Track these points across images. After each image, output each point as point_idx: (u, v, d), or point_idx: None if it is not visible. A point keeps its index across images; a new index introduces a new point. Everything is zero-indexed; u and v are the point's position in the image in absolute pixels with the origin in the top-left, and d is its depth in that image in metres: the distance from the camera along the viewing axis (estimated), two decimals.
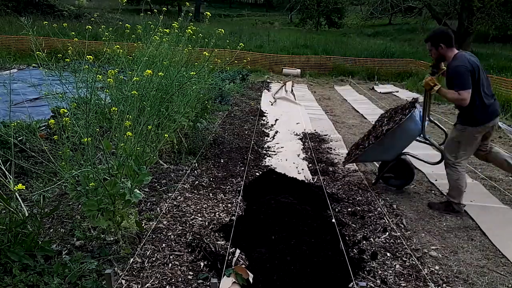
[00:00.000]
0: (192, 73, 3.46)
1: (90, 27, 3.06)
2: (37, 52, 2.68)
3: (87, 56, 2.59)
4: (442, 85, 3.63)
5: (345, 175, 4.66)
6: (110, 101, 3.49)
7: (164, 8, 4.36)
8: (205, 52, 3.75)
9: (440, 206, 3.79)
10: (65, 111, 2.53)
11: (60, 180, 2.56)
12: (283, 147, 5.69)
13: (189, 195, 3.86)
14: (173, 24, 4.11)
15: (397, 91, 11.50)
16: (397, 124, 3.87)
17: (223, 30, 3.91)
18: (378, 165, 4.49)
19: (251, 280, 2.48)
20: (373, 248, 3.06)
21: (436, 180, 4.45)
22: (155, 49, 3.83)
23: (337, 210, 3.71)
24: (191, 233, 3.13)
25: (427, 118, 3.93)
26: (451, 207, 3.70)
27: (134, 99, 2.87)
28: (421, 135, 3.93)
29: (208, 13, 3.88)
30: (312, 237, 2.82)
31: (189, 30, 3.81)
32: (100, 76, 2.69)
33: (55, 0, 25.24)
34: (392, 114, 4.30)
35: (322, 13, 31.07)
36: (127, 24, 3.85)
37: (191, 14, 4.09)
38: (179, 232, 3.15)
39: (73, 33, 3.46)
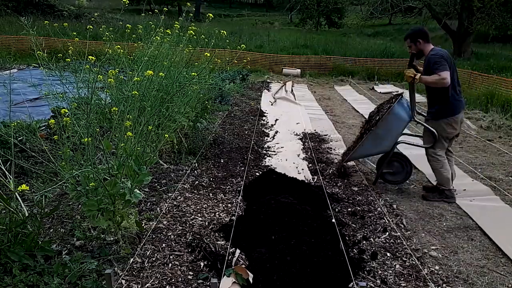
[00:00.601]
0: (193, 73, 3.45)
1: (91, 27, 3.06)
2: (38, 52, 2.68)
3: (89, 57, 2.59)
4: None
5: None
6: (110, 101, 3.49)
7: (165, 9, 4.36)
8: (206, 53, 3.75)
9: (434, 195, 4.00)
10: (66, 111, 2.52)
11: (60, 180, 2.56)
12: (283, 147, 5.69)
13: (189, 195, 3.86)
14: (174, 25, 4.12)
15: (397, 91, 11.49)
16: (388, 111, 3.98)
17: (225, 32, 3.92)
18: (376, 165, 4.50)
19: (251, 280, 2.48)
20: (373, 248, 3.06)
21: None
22: (156, 50, 3.83)
23: (337, 210, 3.71)
24: (191, 233, 3.13)
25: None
26: (444, 194, 3.96)
27: (135, 99, 2.87)
28: (413, 119, 4.06)
29: (211, 14, 3.88)
30: (312, 237, 2.82)
31: (191, 31, 3.82)
32: (101, 77, 2.69)
33: (55, 0, 25.25)
34: (380, 108, 4.45)
35: (322, 13, 31.07)
36: (128, 25, 3.85)
37: (192, 14, 4.08)
38: (179, 232, 3.15)
39: (74, 33, 3.46)
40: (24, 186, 2.10)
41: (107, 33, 3.82)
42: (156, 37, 3.86)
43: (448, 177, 3.91)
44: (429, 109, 3.98)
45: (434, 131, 3.88)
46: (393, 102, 4.10)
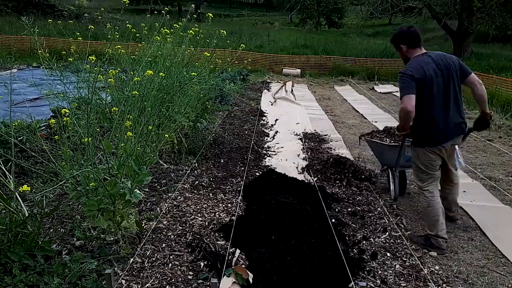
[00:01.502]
0: (193, 73, 3.46)
1: (92, 27, 3.06)
2: (40, 51, 2.68)
3: (90, 57, 2.59)
4: None
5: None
6: (110, 101, 3.49)
7: (166, 9, 4.37)
8: (206, 53, 3.75)
9: (418, 240, 3.19)
10: (67, 111, 2.52)
11: (61, 180, 2.56)
12: (283, 147, 5.69)
13: (189, 195, 3.86)
14: (177, 25, 4.13)
15: (397, 91, 11.49)
16: (392, 144, 3.88)
17: (225, 32, 3.92)
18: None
19: (251, 280, 2.48)
20: (373, 248, 3.06)
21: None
22: (157, 50, 3.83)
23: (337, 210, 3.71)
24: (191, 233, 3.13)
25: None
26: (429, 241, 3.10)
27: (135, 99, 2.87)
28: (395, 166, 3.79)
29: (211, 14, 3.89)
30: (312, 237, 2.82)
31: (192, 32, 3.83)
32: (101, 77, 2.69)
33: (55, 0, 25.25)
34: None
35: (322, 13, 31.09)
36: (128, 25, 3.85)
37: (195, 16, 4.09)
38: (179, 232, 3.15)
39: (78, 33, 3.47)
40: (25, 187, 2.10)
41: (110, 34, 3.82)
42: (156, 37, 3.86)
43: (436, 220, 3.06)
44: (412, 133, 3.15)
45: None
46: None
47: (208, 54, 3.76)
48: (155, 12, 4.91)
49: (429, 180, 3.13)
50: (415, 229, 3.44)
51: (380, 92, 11.48)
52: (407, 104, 2.87)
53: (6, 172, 2.68)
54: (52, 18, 19.42)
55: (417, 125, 3.06)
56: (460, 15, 16.60)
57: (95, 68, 2.67)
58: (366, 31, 28.72)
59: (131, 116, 2.84)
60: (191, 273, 2.65)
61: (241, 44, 4.11)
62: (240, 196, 3.85)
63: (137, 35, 4.23)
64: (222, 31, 3.91)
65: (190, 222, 3.32)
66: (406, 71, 2.95)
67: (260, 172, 4.55)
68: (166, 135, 3.45)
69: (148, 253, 2.83)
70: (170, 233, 3.12)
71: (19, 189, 2.12)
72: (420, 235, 3.27)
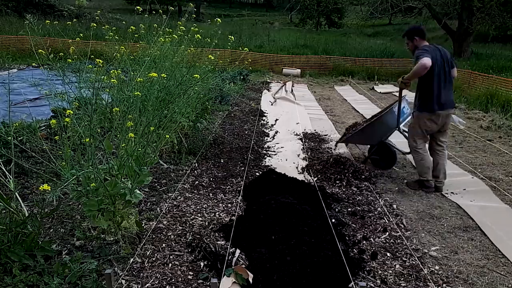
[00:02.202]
0: (196, 75, 3.45)
1: (95, 24, 3.06)
2: (40, 50, 2.68)
3: (97, 60, 2.59)
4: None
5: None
6: (111, 101, 3.49)
7: (171, 8, 4.37)
8: (210, 56, 3.75)
9: (414, 185, 4.30)
10: (71, 112, 2.52)
11: (61, 180, 2.56)
12: (283, 147, 5.69)
13: (189, 195, 3.86)
14: (175, 25, 4.12)
15: (397, 91, 11.49)
16: (378, 117, 4.72)
17: (233, 38, 3.97)
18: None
19: (251, 280, 2.49)
20: (373, 248, 3.06)
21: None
22: (159, 50, 3.82)
23: (337, 210, 3.71)
24: (191, 233, 3.13)
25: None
26: (423, 184, 4.23)
27: (137, 99, 2.86)
28: (397, 128, 4.62)
29: (219, 20, 3.90)
30: (312, 237, 2.82)
31: (197, 35, 3.83)
32: (104, 77, 2.69)
33: (55, 0, 25.26)
34: (381, 111, 5.26)
35: (322, 13, 31.09)
36: (132, 27, 3.85)
37: (194, 16, 4.09)
38: (179, 232, 3.15)
39: (81, 34, 3.47)
40: (46, 186, 2.10)
41: (111, 33, 3.82)
42: (160, 38, 3.86)
43: (427, 167, 4.16)
44: (415, 101, 4.20)
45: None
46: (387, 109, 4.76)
47: (212, 57, 3.76)
48: (153, 12, 4.91)
49: (422, 142, 4.20)
50: (415, 229, 3.44)
51: (380, 92, 11.46)
52: (426, 61, 3.74)
53: (6, 172, 2.69)
54: (52, 18, 19.45)
55: (425, 96, 4.04)
56: (460, 15, 16.60)
57: (95, 69, 2.67)
58: (366, 31, 28.75)
59: (132, 117, 2.84)
60: (191, 273, 2.65)
61: (243, 46, 4.12)
62: (240, 196, 3.85)
63: (136, 35, 4.23)
64: (230, 37, 3.93)
65: (190, 222, 3.32)
66: (425, 48, 3.96)
67: (260, 172, 4.55)
68: (167, 136, 3.44)
69: (148, 253, 2.83)
70: (170, 233, 3.12)
71: (40, 188, 2.10)
72: (414, 181, 4.38)
